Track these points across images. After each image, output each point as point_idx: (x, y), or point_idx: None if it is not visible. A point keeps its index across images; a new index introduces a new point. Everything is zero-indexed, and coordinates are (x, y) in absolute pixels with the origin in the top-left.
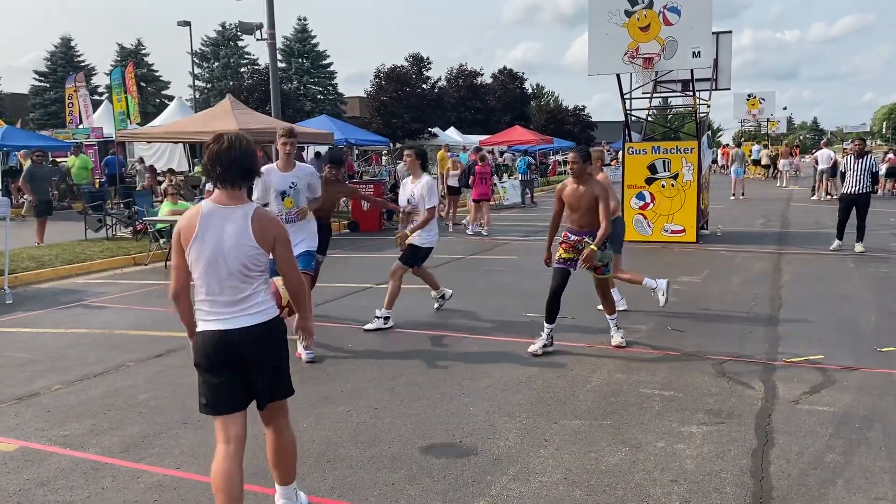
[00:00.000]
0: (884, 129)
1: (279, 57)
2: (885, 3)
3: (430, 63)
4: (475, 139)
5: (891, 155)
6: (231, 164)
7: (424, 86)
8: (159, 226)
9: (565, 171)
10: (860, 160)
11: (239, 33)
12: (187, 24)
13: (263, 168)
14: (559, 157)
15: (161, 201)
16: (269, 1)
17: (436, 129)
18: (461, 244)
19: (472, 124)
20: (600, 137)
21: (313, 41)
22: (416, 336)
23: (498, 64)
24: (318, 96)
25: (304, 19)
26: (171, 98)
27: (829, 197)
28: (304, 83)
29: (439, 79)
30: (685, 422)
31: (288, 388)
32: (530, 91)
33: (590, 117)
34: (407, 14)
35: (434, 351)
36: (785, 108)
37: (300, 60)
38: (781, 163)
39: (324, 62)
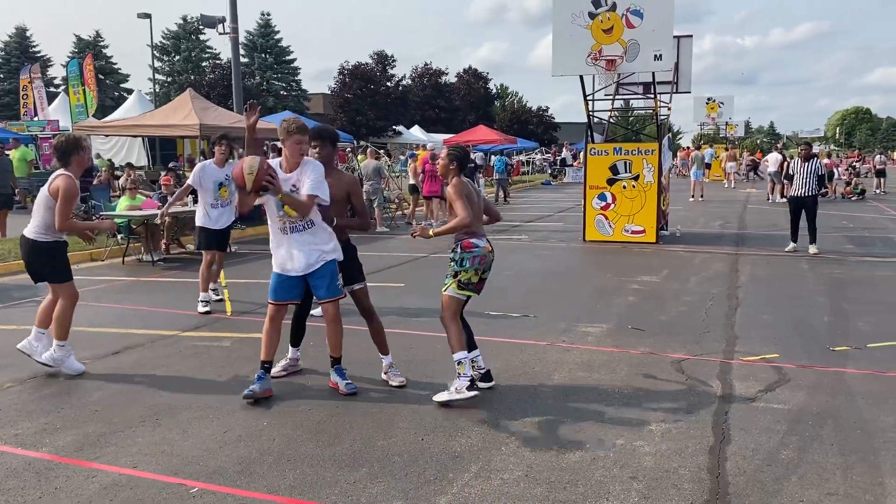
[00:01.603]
0: (837, 135)
1: (242, 51)
2: (842, 12)
3: (394, 61)
4: (439, 138)
5: (826, 160)
6: None
7: (389, 84)
8: (117, 221)
9: (529, 170)
10: (807, 164)
11: (201, 27)
12: (147, 16)
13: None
14: (522, 158)
15: (119, 196)
16: None
17: (400, 128)
18: (426, 243)
19: (436, 123)
20: (563, 138)
21: (277, 36)
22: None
23: (464, 63)
24: (282, 92)
25: (268, 14)
26: (130, 91)
27: (783, 199)
28: (267, 79)
29: (404, 77)
30: (644, 419)
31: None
32: (494, 91)
33: (553, 118)
34: (373, 11)
35: (396, 349)
36: (719, 103)
37: (263, 55)
38: (728, 165)
39: (287, 58)
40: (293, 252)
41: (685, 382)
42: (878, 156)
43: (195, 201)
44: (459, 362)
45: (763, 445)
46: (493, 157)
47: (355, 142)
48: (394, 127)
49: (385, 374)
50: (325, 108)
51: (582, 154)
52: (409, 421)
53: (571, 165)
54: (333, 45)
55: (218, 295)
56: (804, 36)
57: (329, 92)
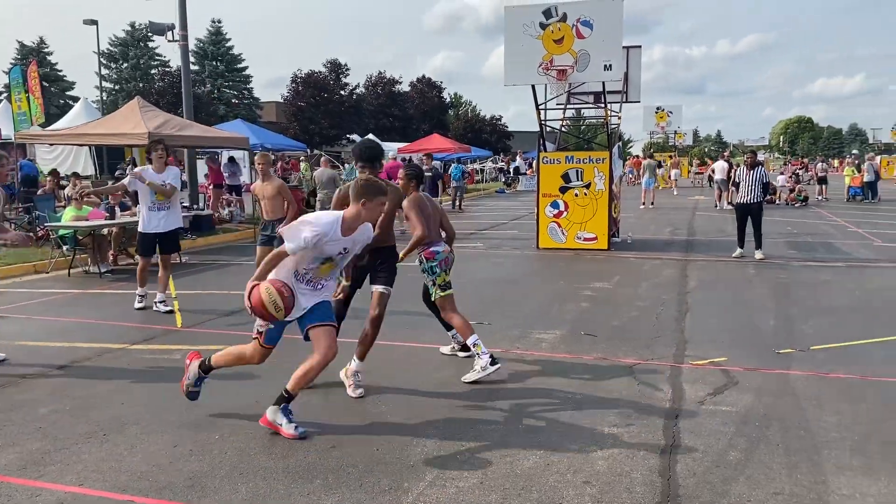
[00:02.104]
0: (781, 143)
1: (192, 59)
2: (785, 24)
3: (347, 69)
4: (394, 146)
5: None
6: None
7: (342, 92)
8: (62, 232)
9: (483, 178)
10: (752, 171)
11: (149, 34)
12: (94, 22)
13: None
14: (476, 166)
15: (64, 206)
16: (182, 1)
17: (354, 136)
18: None
19: (390, 131)
20: (517, 146)
21: (228, 44)
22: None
23: (419, 71)
24: (233, 100)
25: (219, 21)
26: (76, 99)
27: (730, 206)
28: (219, 86)
29: (357, 85)
30: (597, 424)
31: None
32: (448, 100)
33: (506, 127)
34: (327, 19)
35: (350, 359)
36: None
37: (214, 63)
38: (673, 173)
39: (239, 66)
40: (298, 298)
41: (637, 387)
42: (820, 163)
43: None
44: (474, 344)
45: (712, 447)
46: (451, 165)
47: (308, 150)
48: (348, 135)
49: (348, 377)
50: (278, 116)
51: (535, 162)
52: (364, 432)
53: (525, 174)
54: (286, 53)
55: (167, 306)
56: (749, 47)
57: (282, 100)
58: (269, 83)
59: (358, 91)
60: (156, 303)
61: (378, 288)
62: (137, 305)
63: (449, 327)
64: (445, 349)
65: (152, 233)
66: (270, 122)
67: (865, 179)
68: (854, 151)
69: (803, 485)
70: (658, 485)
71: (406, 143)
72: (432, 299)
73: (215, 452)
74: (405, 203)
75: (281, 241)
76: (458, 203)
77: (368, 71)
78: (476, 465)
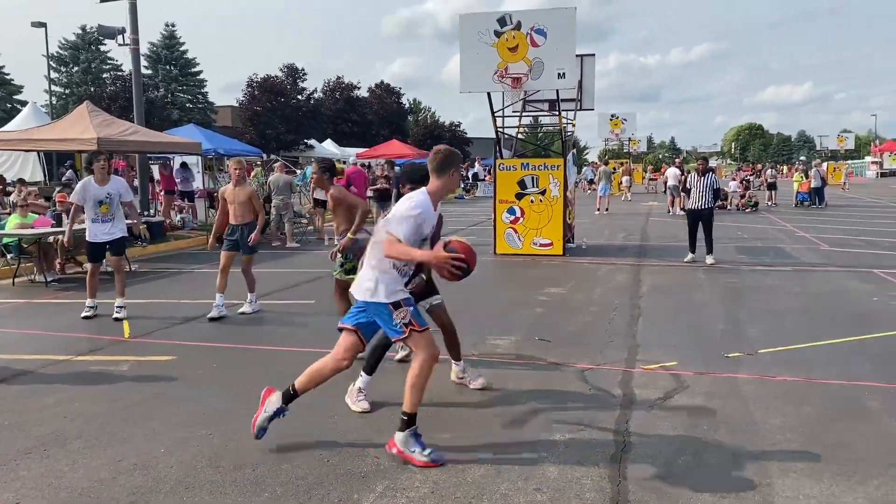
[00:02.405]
0: (733, 150)
1: (145, 63)
2: (737, 34)
3: (305, 74)
4: (352, 152)
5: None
6: None
7: (300, 97)
8: (6, 240)
9: None
10: (703, 178)
11: (100, 37)
12: (42, 25)
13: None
14: None
15: (9, 213)
16: (133, 5)
17: (312, 141)
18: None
19: (349, 137)
20: (475, 153)
21: (182, 48)
22: (284, 354)
23: (378, 77)
24: (187, 105)
25: (173, 25)
26: (24, 103)
27: (682, 212)
28: (172, 91)
29: (315, 90)
30: (549, 430)
31: None
32: (408, 106)
33: (465, 133)
34: (285, 23)
35: (303, 368)
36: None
37: (168, 67)
38: (624, 179)
39: (193, 70)
40: None
41: (589, 392)
42: (769, 170)
43: None
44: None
45: (661, 451)
46: None
47: (264, 156)
48: (305, 140)
49: (460, 377)
50: (234, 120)
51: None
52: (314, 443)
53: (483, 180)
54: (242, 57)
55: (120, 314)
56: (702, 56)
57: (237, 105)
58: (225, 87)
59: (316, 96)
60: (117, 307)
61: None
62: (85, 314)
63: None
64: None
65: (99, 242)
66: (226, 127)
67: (813, 185)
68: (802, 158)
69: (749, 487)
70: (608, 490)
71: (365, 149)
72: (333, 274)
73: (160, 466)
74: (334, 193)
75: (250, 249)
76: None
77: (326, 76)
78: (427, 474)
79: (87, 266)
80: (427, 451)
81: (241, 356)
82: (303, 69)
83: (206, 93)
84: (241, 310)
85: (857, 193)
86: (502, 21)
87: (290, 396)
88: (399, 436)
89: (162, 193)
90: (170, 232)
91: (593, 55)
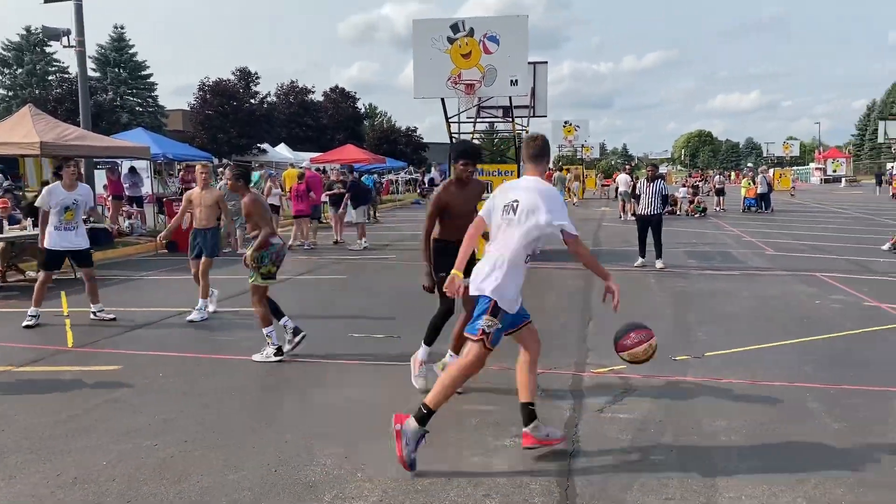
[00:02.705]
0: (683, 156)
1: (93, 66)
2: (687, 42)
3: (258, 78)
4: (307, 156)
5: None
6: None
7: (253, 101)
8: None
9: (398, 190)
10: (652, 184)
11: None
12: None
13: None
14: (391, 177)
15: None
16: (78, 6)
17: (265, 146)
18: (288, 264)
19: (303, 141)
20: (432, 158)
21: (131, 50)
22: (233, 362)
23: (333, 81)
24: (137, 108)
25: (121, 27)
26: None
27: (633, 217)
28: (121, 94)
29: (268, 94)
30: (499, 435)
31: None
32: (363, 110)
33: (422, 138)
34: (237, 27)
35: (252, 377)
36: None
37: (116, 70)
38: (574, 185)
39: (143, 73)
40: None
41: (539, 396)
42: (717, 176)
43: (34, 225)
44: (268, 335)
45: (609, 455)
46: (362, 176)
47: (215, 160)
48: (258, 145)
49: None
50: (185, 124)
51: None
52: (261, 453)
53: (437, 185)
54: (194, 60)
55: (108, 315)
56: (654, 64)
57: (189, 108)
58: (177, 91)
59: (269, 100)
60: (95, 313)
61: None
62: (27, 323)
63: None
64: (287, 348)
65: (61, 250)
66: (177, 131)
67: (759, 191)
68: (749, 164)
69: (694, 489)
70: (556, 494)
71: (320, 153)
72: (250, 281)
73: (102, 480)
74: (249, 200)
75: (212, 252)
76: (372, 213)
77: (280, 80)
78: (376, 482)
79: (38, 274)
80: (413, 453)
81: (189, 365)
82: (256, 73)
83: (157, 96)
84: (189, 317)
85: (802, 199)
86: (455, 28)
87: (425, 416)
88: (411, 423)
89: (109, 199)
90: (117, 238)
91: (546, 63)
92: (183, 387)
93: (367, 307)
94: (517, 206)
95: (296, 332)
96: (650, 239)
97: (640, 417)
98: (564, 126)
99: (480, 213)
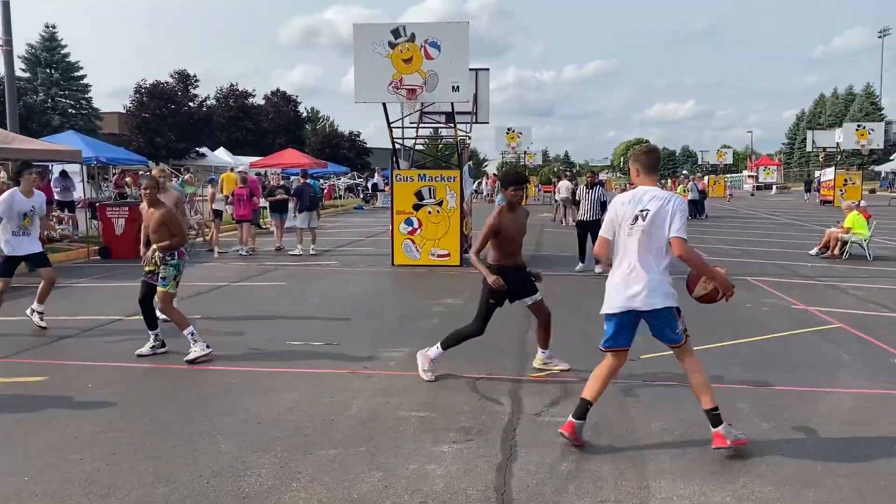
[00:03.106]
0: (622, 164)
1: (22, 66)
2: (627, 52)
3: (197, 81)
4: (247, 160)
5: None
6: None
7: (192, 104)
8: None
9: (340, 195)
10: (591, 190)
11: None
12: None
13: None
14: (332, 182)
15: None
16: (5, 3)
17: (204, 149)
18: (225, 270)
19: (243, 145)
20: (376, 163)
21: (64, 51)
22: (166, 371)
23: (275, 85)
24: (70, 110)
25: (53, 27)
26: None
27: (572, 223)
28: (53, 96)
29: (207, 97)
30: (438, 441)
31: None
32: (305, 114)
33: (365, 143)
34: (175, 29)
35: (186, 386)
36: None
37: (48, 71)
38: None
39: (76, 74)
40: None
41: (479, 402)
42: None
43: None
44: (190, 335)
45: (546, 459)
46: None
47: (151, 164)
48: (197, 149)
49: (546, 362)
50: (120, 127)
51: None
52: (194, 464)
53: (383, 190)
54: (131, 62)
55: (35, 317)
56: (594, 73)
57: (124, 111)
58: (113, 93)
59: (209, 103)
60: (34, 310)
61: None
62: None
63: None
64: (143, 350)
65: (20, 256)
66: (112, 134)
67: (690, 198)
68: (685, 171)
69: (627, 491)
70: (493, 500)
71: (260, 158)
72: (164, 288)
73: (24, 496)
74: (164, 212)
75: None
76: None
77: (220, 83)
78: (312, 492)
79: None
80: (738, 433)
81: (120, 375)
82: (195, 76)
83: (91, 98)
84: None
85: (735, 205)
86: (396, 33)
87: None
88: (723, 428)
89: None
90: (47, 244)
91: (487, 69)
92: (113, 397)
93: (307, 314)
94: (647, 215)
95: (163, 344)
96: (590, 244)
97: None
98: (507, 133)
99: (604, 233)
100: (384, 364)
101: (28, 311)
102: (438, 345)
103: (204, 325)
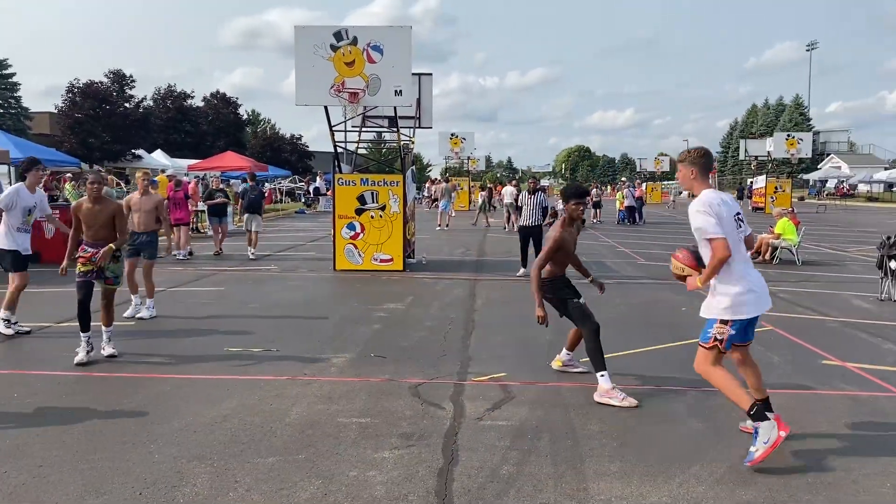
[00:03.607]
0: (563, 170)
1: None
2: (569, 60)
3: (133, 81)
4: (185, 163)
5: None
6: None
7: (127, 105)
8: None
9: (281, 199)
10: (533, 196)
11: None
12: None
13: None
14: (274, 185)
15: None
16: None
17: (140, 151)
18: (160, 275)
19: (181, 147)
20: (318, 167)
21: None
22: (98, 379)
23: (216, 87)
24: None
25: None
26: None
27: (515, 228)
28: None
29: (144, 98)
30: (379, 448)
31: None
32: (245, 117)
33: (307, 146)
34: (110, 28)
35: (120, 394)
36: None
37: None
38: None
39: (4, 72)
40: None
41: (420, 407)
42: (594, 189)
43: None
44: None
45: (487, 463)
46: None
47: (84, 165)
48: (133, 151)
49: (566, 364)
50: (52, 128)
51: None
52: (126, 475)
53: (325, 194)
54: (64, 61)
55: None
56: (537, 80)
57: (56, 111)
58: (45, 92)
59: (145, 104)
60: (8, 322)
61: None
62: (6, 330)
63: None
64: (81, 357)
65: (22, 252)
66: (43, 135)
67: (627, 205)
68: (623, 178)
69: (567, 493)
70: None
71: (198, 160)
72: (117, 285)
73: None
74: (117, 208)
75: (152, 255)
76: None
77: (158, 84)
78: (250, 501)
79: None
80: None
81: (48, 383)
82: (131, 76)
83: (20, 97)
84: (139, 314)
85: (673, 212)
86: (338, 35)
87: (764, 407)
88: (765, 426)
89: None
90: None
91: (430, 74)
92: (40, 407)
93: (246, 320)
94: (742, 217)
95: (92, 348)
96: (531, 249)
97: (518, 424)
98: (451, 138)
99: (717, 232)
100: (324, 370)
101: (10, 327)
102: (597, 373)
103: (138, 330)
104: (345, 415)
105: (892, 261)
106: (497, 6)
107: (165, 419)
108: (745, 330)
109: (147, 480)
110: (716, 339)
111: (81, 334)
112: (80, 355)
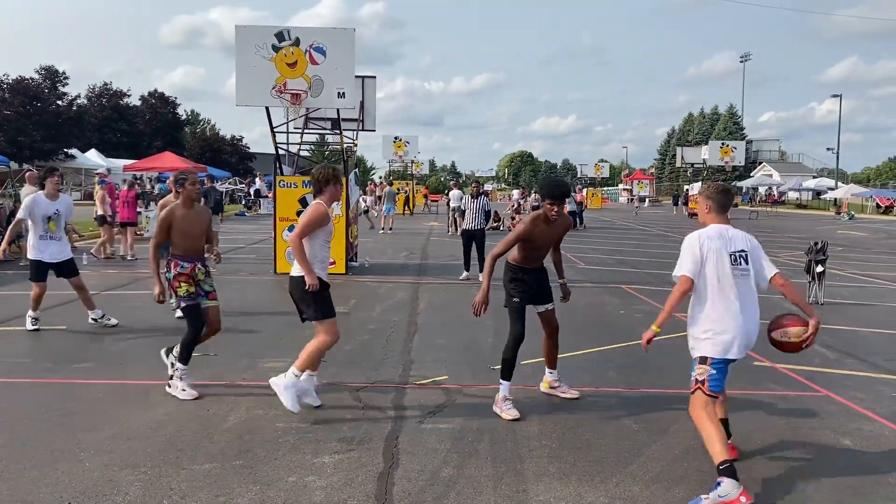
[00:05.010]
0: (507, 175)
1: None
2: (512, 66)
3: (66, 78)
4: (121, 163)
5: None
6: None
7: (60, 102)
8: None
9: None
10: (476, 200)
11: None
12: None
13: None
14: (223, 187)
15: None
16: None
17: (73, 151)
18: (94, 278)
19: (117, 147)
20: (259, 168)
21: None
22: (25, 385)
23: (155, 86)
24: None
25: None
26: None
27: (458, 232)
28: None
29: (78, 96)
30: (318, 453)
31: None
32: (184, 117)
33: (248, 148)
34: (41, 22)
35: (48, 401)
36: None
37: None
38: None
39: None
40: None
41: (361, 410)
42: (534, 194)
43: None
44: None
45: (427, 466)
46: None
47: (13, 164)
48: (66, 150)
49: (553, 387)
50: None
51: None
52: (55, 484)
53: (266, 196)
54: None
55: (110, 320)
56: (481, 85)
57: None
58: None
59: (79, 102)
60: (95, 319)
61: (547, 307)
62: (31, 326)
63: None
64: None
65: (47, 262)
66: None
67: (568, 210)
68: None
69: (506, 494)
70: None
71: (134, 161)
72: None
73: None
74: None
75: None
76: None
77: (93, 81)
78: None
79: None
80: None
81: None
82: (64, 73)
83: None
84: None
85: (611, 217)
86: (280, 36)
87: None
88: (730, 481)
89: None
90: None
91: (374, 77)
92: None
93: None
94: (746, 256)
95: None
96: (474, 253)
97: (459, 427)
98: (395, 141)
99: (686, 271)
100: (264, 375)
101: (91, 321)
102: (501, 380)
103: (70, 335)
104: (284, 420)
105: (819, 265)
106: (445, 11)
107: (97, 426)
108: (723, 375)
109: (76, 490)
110: (697, 381)
111: (182, 366)
112: (189, 391)
